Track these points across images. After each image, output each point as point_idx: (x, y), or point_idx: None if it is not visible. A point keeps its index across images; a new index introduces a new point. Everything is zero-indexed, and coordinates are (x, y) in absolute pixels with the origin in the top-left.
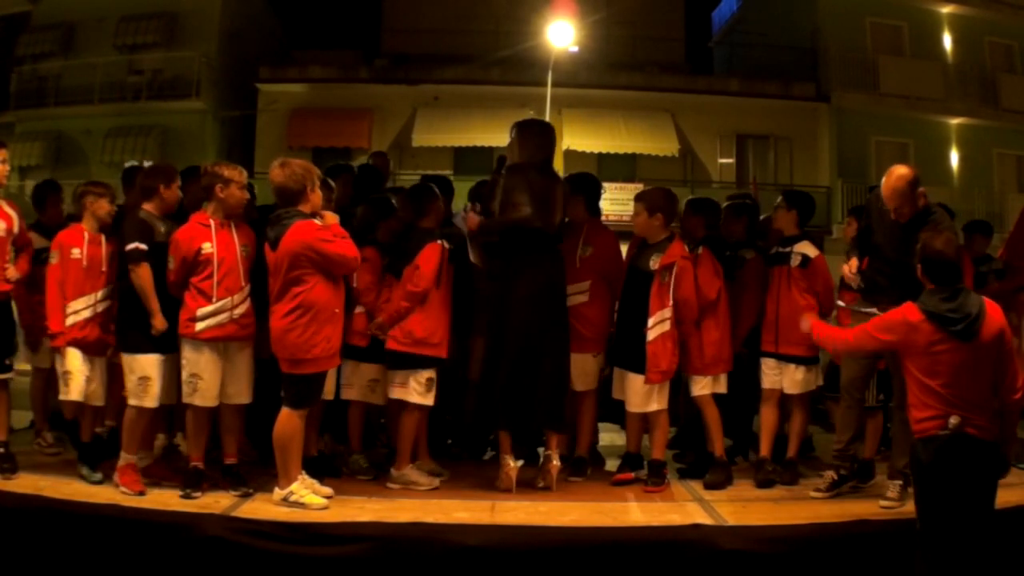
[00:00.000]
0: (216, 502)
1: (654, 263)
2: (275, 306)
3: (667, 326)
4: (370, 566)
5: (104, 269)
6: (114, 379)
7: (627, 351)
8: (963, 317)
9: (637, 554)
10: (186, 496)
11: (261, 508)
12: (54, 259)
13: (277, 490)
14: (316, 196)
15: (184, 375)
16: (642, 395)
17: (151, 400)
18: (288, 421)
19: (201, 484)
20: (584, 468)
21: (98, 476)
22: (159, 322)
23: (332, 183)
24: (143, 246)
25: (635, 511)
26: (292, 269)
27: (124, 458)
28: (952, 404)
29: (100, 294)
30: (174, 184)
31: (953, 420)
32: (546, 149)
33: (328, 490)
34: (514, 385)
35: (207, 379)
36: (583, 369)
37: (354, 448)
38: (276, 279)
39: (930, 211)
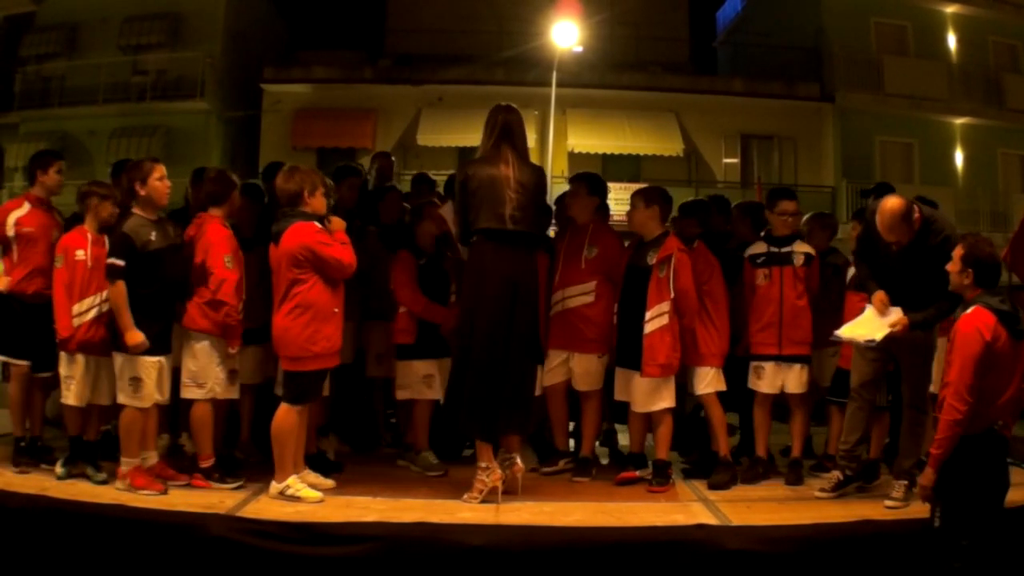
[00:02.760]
0: (221, 502)
1: (651, 258)
2: (279, 305)
3: (665, 319)
4: (375, 566)
5: None
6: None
7: (629, 350)
8: (1020, 316)
9: (642, 554)
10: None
11: (266, 508)
12: (59, 263)
13: (274, 483)
14: (317, 200)
15: (224, 372)
16: (646, 394)
17: (143, 400)
18: (286, 416)
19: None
20: (589, 469)
21: (102, 476)
22: (131, 337)
23: (333, 186)
24: (119, 262)
25: (639, 511)
26: (291, 268)
27: (127, 463)
28: (989, 403)
29: (105, 294)
30: (151, 177)
31: (1001, 422)
32: (494, 135)
33: (330, 482)
34: (478, 390)
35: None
36: (587, 369)
37: (422, 446)
38: (278, 277)
39: (928, 225)
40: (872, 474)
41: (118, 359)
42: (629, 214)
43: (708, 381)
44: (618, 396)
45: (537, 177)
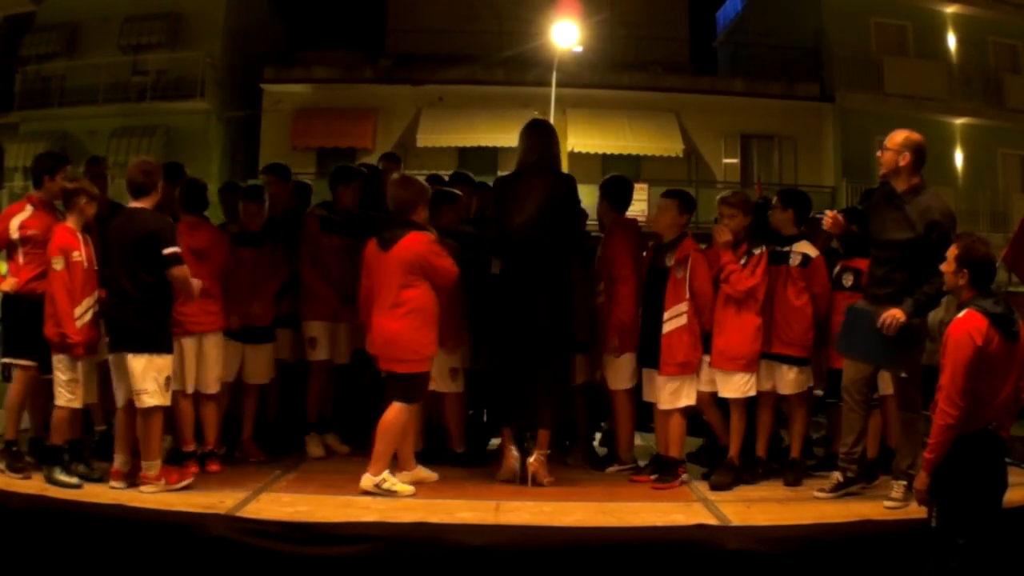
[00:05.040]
0: (220, 502)
1: (669, 259)
2: (389, 309)
3: (684, 320)
4: (374, 566)
5: (96, 269)
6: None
7: (653, 351)
8: (1015, 318)
9: (642, 554)
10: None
11: (266, 508)
12: (59, 265)
13: (368, 476)
14: (425, 212)
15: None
16: (671, 392)
17: (168, 397)
18: (399, 415)
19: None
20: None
21: (96, 474)
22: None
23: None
24: (179, 249)
25: (639, 511)
26: (404, 275)
27: (155, 465)
28: (984, 404)
29: (96, 295)
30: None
31: (995, 423)
32: (532, 152)
33: (434, 475)
34: (503, 383)
35: None
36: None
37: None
38: (386, 282)
39: (919, 189)
40: (871, 474)
41: (155, 361)
42: (661, 213)
43: (748, 386)
44: (647, 397)
45: (556, 187)
